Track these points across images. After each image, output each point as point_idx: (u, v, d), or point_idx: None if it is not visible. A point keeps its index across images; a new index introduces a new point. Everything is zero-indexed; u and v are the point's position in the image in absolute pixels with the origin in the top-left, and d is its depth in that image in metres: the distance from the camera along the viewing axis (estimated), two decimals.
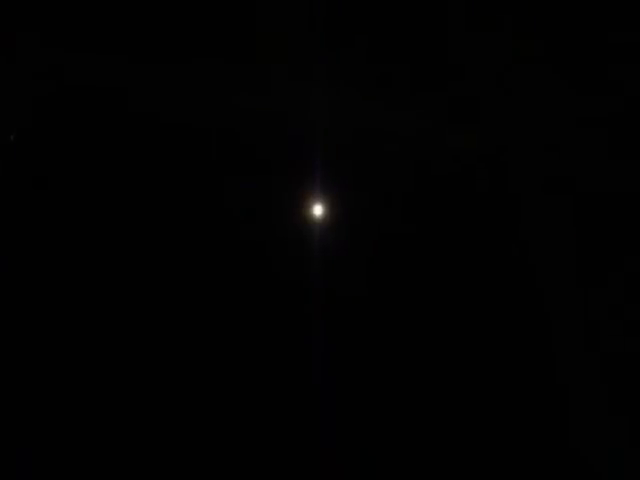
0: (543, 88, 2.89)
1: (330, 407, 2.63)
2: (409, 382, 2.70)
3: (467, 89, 2.93)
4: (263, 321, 2.70)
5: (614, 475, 2.60)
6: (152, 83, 2.81)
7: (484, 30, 2.86)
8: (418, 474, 2.62)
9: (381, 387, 2.70)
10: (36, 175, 2.73)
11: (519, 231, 2.88)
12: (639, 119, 2.81)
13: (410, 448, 2.64)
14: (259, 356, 2.68)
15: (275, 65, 2.84)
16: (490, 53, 2.88)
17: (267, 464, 2.57)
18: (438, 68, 2.90)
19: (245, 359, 2.67)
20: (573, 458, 2.65)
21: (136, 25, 2.79)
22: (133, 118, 2.79)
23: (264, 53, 2.83)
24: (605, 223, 2.80)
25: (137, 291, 2.69)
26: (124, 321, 2.65)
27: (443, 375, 2.72)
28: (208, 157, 2.80)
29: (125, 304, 2.67)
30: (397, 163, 2.87)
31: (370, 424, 2.65)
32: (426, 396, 2.70)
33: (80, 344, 2.62)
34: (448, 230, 2.86)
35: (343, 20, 2.84)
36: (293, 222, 2.77)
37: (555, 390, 2.73)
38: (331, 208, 2.79)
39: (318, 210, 2.78)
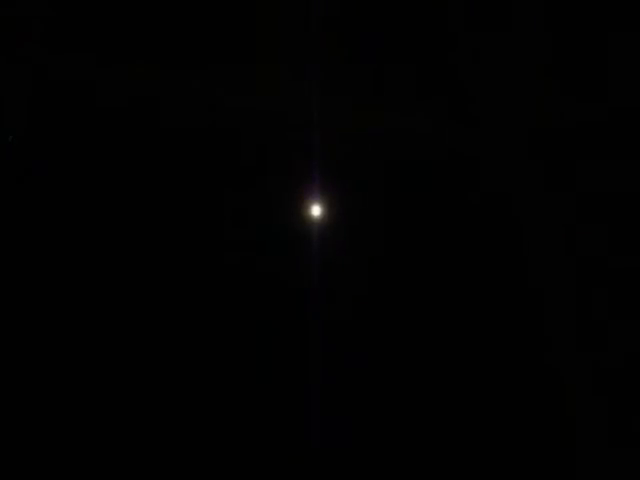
0: (543, 88, 2.89)
1: (330, 407, 2.63)
2: (409, 382, 2.70)
3: (467, 89, 2.92)
4: (262, 321, 2.71)
5: (614, 475, 2.60)
6: (152, 83, 2.81)
7: (484, 30, 2.87)
8: (418, 474, 2.62)
9: (381, 387, 2.70)
10: (36, 175, 2.74)
11: (519, 231, 2.88)
12: (639, 119, 2.81)
13: (410, 448, 2.64)
14: (259, 356, 2.68)
15: (275, 65, 2.84)
16: (490, 53, 2.88)
17: (267, 464, 2.58)
18: (438, 68, 2.90)
19: (245, 359, 2.68)
20: (572, 457, 2.65)
21: (136, 26, 2.80)
22: (133, 118, 2.80)
23: (263, 53, 2.83)
24: (605, 223, 2.80)
25: (137, 291, 2.70)
26: (124, 321, 2.66)
27: (443, 375, 2.72)
28: (206, 157, 2.80)
29: (125, 304, 2.68)
30: (397, 163, 2.87)
31: (370, 424, 2.65)
32: (426, 396, 2.70)
33: (80, 344, 2.63)
34: (448, 230, 2.86)
35: (343, 20, 2.85)
36: (292, 222, 2.77)
37: (555, 390, 2.72)
38: (330, 208, 2.79)
39: (317, 210, 2.78)
